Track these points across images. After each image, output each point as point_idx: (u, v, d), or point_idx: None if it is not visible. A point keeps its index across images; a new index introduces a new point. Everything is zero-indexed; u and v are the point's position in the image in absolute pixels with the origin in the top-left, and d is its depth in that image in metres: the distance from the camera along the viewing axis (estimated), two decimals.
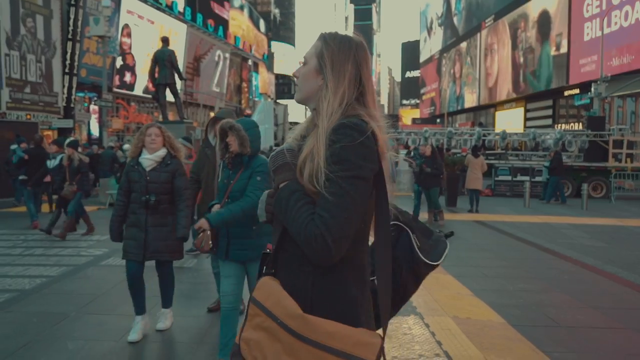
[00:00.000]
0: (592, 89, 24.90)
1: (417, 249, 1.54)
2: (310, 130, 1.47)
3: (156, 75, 14.20)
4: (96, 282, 5.80)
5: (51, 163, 9.05)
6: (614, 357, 3.84)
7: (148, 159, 3.99)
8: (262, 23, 63.57)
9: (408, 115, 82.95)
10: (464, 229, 10.18)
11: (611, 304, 5.26)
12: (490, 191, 17.46)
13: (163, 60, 13.94)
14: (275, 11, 79.30)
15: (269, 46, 69.32)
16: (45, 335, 4.08)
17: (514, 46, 40.11)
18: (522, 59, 39.06)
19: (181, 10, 37.40)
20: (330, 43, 1.48)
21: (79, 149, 14.97)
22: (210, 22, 42.51)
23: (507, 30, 41.63)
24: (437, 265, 1.57)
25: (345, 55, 1.47)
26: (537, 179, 17.21)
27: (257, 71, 57.98)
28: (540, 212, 13.22)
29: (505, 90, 42.48)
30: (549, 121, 35.52)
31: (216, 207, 3.40)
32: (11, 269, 6.32)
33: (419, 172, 10.72)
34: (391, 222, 1.52)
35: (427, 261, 1.53)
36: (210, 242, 3.33)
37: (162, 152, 4.02)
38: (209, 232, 3.32)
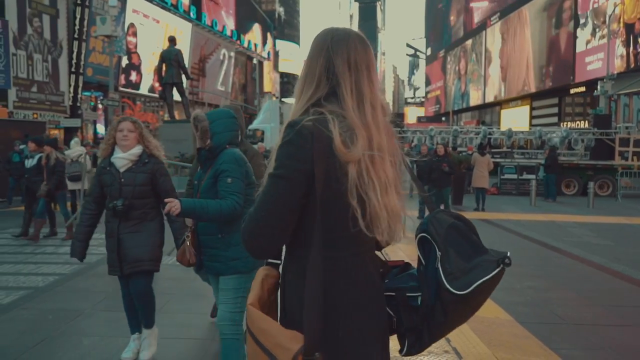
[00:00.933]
0: (598, 87, 24.86)
1: (440, 271, 1.31)
2: None
3: (163, 74, 14.31)
4: (108, 279, 5.83)
5: (29, 162, 8.74)
6: (621, 354, 3.89)
7: (121, 158, 3.47)
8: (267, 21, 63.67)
9: (412, 114, 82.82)
10: None
11: (618, 301, 5.30)
12: (496, 189, 17.47)
13: (170, 59, 14.03)
14: (280, 10, 79.31)
15: (274, 45, 69.39)
16: (61, 332, 4.17)
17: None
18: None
19: (186, 9, 37.51)
20: (314, 38, 1.46)
21: (87, 148, 15.07)
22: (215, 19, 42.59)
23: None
24: (464, 295, 1.27)
25: (318, 49, 1.41)
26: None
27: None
28: (546, 210, 13.24)
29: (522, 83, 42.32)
30: (555, 119, 35.45)
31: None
32: (24, 266, 6.43)
33: (429, 171, 10.55)
34: (420, 234, 1.38)
35: (450, 288, 1.29)
36: (194, 254, 2.99)
37: (138, 149, 3.50)
38: (189, 243, 3.00)
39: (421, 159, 11.01)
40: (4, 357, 3.68)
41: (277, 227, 1.31)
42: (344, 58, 1.38)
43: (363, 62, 1.40)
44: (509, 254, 1.28)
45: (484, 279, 1.26)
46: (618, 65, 27.14)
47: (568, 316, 4.71)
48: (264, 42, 60.64)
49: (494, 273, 1.27)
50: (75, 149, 10.11)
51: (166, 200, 2.75)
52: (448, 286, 1.29)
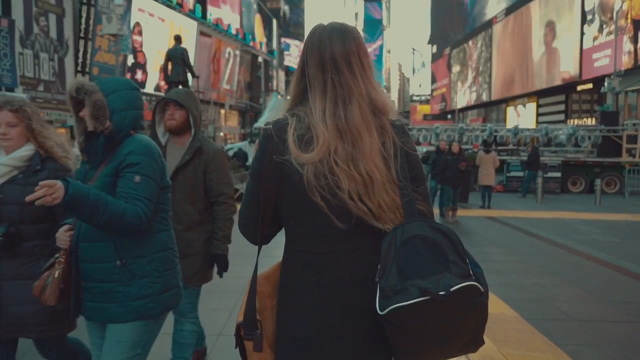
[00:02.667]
0: (606, 84, 24.71)
1: (378, 286, 1.22)
2: None
3: (169, 73, 14.36)
4: None
5: None
6: (628, 350, 3.87)
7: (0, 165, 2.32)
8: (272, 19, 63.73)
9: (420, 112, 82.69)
10: (476, 224, 10.21)
11: (624, 298, 5.28)
12: (502, 187, 17.42)
13: (176, 58, 14.09)
14: (285, 7, 79.32)
15: (279, 42, 69.44)
16: None
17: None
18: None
19: (191, 7, 37.59)
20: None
21: None
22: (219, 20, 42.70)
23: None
24: (383, 316, 1.19)
25: (302, 50, 1.43)
26: (550, 174, 17.14)
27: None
28: (552, 207, 13.19)
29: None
30: (562, 116, 35.26)
31: (66, 231, 2.05)
32: None
33: (445, 169, 10.45)
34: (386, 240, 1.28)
35: (376, 306, 1.20)
36: (58, 291, 1.99)
37: (26, 151, 2.35)
38: (58, 274, 1.99)
39: (434, 154, 11.01)
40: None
41: (249, 219, 1.42)
42: (316, 58, 1.35)
43: (341, 56, 1.34)
44: (453, 289, 1.16)
45: (399, 304, 1.16)
46: (625, 61, 26.95)
47: (574, 312, 4.70)
48: (269, 40, 60.69)
49: (412, 301, 1.15)
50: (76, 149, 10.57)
51: (42, 183, 1.74)
52: (376, 303, 1.20)
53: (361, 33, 1.45)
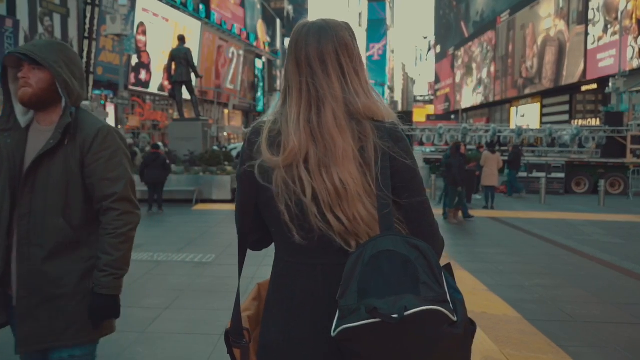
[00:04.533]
0: (610, 84, 24.64)
1: (338, 306, 1.10)
2: None
3: (173, 73, 14.42)
4: None
5: None
6: (630, 352, 3.87)
7: None
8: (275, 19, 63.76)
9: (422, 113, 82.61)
10: (479, 225, 10.20)
11: (628, 299, 5.27)
12: (505, 187, 17.39)
13: (179, 58, 14.14)
14: (289, 8, 79.36)
15: (282, 42, 69.45)
16: None
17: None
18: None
19: (195, 7, 37.68)
20: None
21: None
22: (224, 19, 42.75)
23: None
24: (334, 337, 1.08)
25: None
26: (554, 175, 17.11)
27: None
28: (556, 208, 13.16)
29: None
30: (566, 117, 35.17)
31: None
32: None
33: (459, 171, 10.34)
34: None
35: (333, 325, 1.09)
36: None
37: None
38: None
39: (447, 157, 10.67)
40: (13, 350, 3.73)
41: (239, 221, 1.35)
42: (292, 58, 1.29)
43: (316, 56, 1.26)
44: (408, 312, 1.00)
45: (346, 325, 1.04)
46: (630, 62, 26.86)
47: (577, 314, 4.70)
48: (273, 40, 60.72)
49: (359, 323, 1.02)
50: None
51: None
52: (334, 323, 1.09)
53: (358, 31, 1.34)
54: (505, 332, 4.10)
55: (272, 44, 60.59)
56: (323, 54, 1.26)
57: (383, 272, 1.09)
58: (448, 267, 1.27)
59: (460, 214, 10.70)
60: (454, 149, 10.75)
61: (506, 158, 15.97)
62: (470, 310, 4.25)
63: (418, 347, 1.05)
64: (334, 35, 1.28)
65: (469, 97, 55.64)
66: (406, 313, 1.00)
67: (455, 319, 1.04)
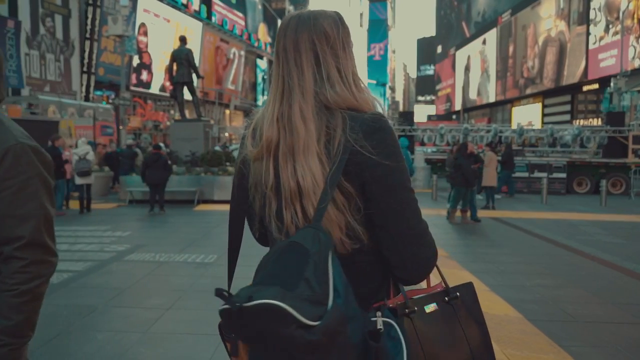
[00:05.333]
0: (612, 84, 24.63)
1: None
2: None
3: (174, 73, 14.44)
4: (121, 276, 5.98)
5: None
6: (631, 351, 3.88)
7: None
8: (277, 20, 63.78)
9: (423, 112, 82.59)
10: (481, 225, 10.20)
11: (629, 299, 5.27)
12: (507, 188, 17.38)
13: (181, 58, 14.16)
14: (290, 8, 79.42)
15: None
16: (75, 327, 4.25)
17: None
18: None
19: (196, 8, 37.71)
20: None
21: (99, 147, 15.34)
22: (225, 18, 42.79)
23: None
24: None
25: None
26: (555, 175, 17.10)
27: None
28: (557, 208, 13.16)
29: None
30: (567, 117, 35.16)
31: None
32: None
33: (469, 171, 10.21)
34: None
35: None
36: None
37: None
38: None
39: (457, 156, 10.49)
40: None
41: (229, 231, 1.33)
42: (275, 49, 1.27)
43: (291, 47, 1.22)
44: (249, 304, 0.94)
45: (219, 308, 1.02)
46: (632, 61, 26.84)
47: (578, 314, 4.71)
48: (273, 40, 60.77)
49: (220, 307, 1.00)
50: (82, 148, 11.32)
51: None
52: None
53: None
54: (507, 332, 4.11)
55: (273, 44, 60.61)
56: (298, 44, 1.21)
57: (276, 263, 1.05)
58: (469, 286, 1.32)
59: (468, 214, 10.56)
60: (462, 149, 10.58)
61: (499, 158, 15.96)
62: None
63: (273, 344, 0.98)
64: (311, 25, 1.22)
65: (471, 97, 55.59)
66: (247, 304, 0.94)
67: (307, 321, 0.93)
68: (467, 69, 57.06)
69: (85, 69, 25.79)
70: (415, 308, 1.17)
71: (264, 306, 0.93)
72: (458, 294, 1.29)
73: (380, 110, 1.21)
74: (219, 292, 0.99)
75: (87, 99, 25.28)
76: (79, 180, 11.19)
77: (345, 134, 1.13)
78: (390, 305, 1.14)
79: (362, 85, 1.24)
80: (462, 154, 10.43)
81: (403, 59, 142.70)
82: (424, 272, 1.20)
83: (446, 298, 1.26)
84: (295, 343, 0.93)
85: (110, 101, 26.89)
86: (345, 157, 1.12)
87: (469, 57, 56.34)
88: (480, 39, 52.00)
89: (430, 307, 1.22)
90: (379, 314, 1.09)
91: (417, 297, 1.21)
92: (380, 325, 1.06)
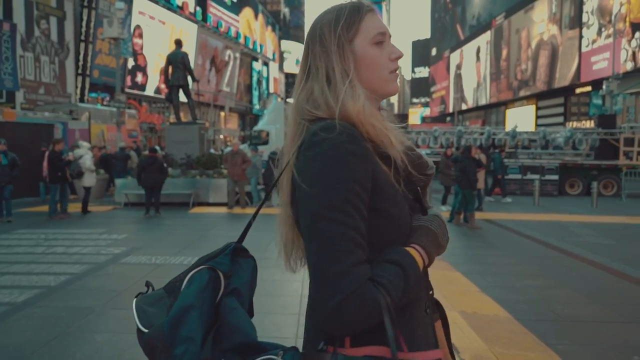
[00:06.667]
0: (604, 87, 24.85)
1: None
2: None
3: (169, 77, 14.51)
4: (118, 278, 6.05)
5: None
6: (617, 350, 3.99)
7: None
8: (272, 22, 63.88)
9: (416, 114, 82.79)
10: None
11: (616, 299, 5.39)
12: (501, 190, 17.51)
13: (176, 62, 14.24)
14: (285, 10, 79.50)
15: (279, 45, 69.61)
16: (74, 328, 4.32)
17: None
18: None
19: (192, 10, 37.75)
20: None
21: (94, 150, 15.37)
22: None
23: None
24: None
25: None
26: (548, 177, 17.26)
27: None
28: (550, 210, 13.30)
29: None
30: (561, 119, 35.41)
31: None
32: (36, 266, 6.59)
33: (474, 174, 10.26)
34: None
35: None
36: None
37: None
38: None
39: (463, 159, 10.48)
40: (20, 352, 3.83)
41: None
42: None
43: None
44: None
45: None
46: (624, 64, 27.10)
47: (566, 314, 4.82)
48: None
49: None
50: (79, 151, 11.52)
51: None
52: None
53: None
54: (496, 332, 4.22)
55: (268, 46, 60.63)
56: (303, 52, 1.18)
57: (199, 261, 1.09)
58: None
59: (462, 217, 10.62)
60: (467, 153, 10.55)
61: (503, 159, 16.07)
62: (462, 310, 4.38)
63: None
64: (314, 26, 1.15)
65: (465, 100, 55.83)
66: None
67: (139, 325, 1.05)
68: (461, 71, 57.29)
69: (80, 71, 25.81)
70: None
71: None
72: None
73: (352, 114, 1.06)
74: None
75: (81, 101, 25.29)
76: (76, 182, 11.47)
77: (296, 146, 1.08)
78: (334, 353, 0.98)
79: (349, 87, 1.09)
80: (467, 157, 10.40)
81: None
82: (325, 324, 0.97)
83: None
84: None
85: (105, 103, 26.90)
86: (283, 174, 1.11)
87: (463, 59, 56.56)
88: (475, 40, 52.28)
89: None
90: (280, 353, 0.96)
91: None
92: None
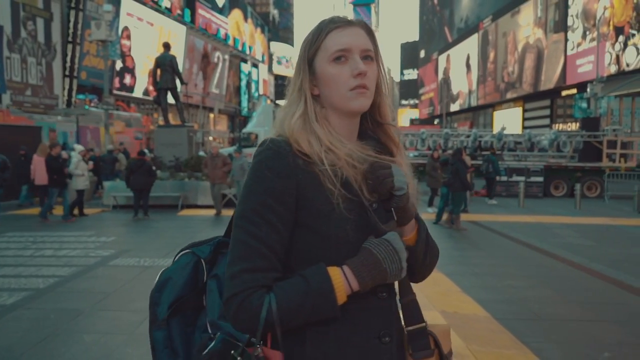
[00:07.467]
0: (588, 89, 25.27)
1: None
2: (370, 143, 1.21)
3: (158, 79, 14.55)
4: (106, 281, 6.12)
5: None
6: (589, 348, 4.15)
7: None
8: (261, 24, 63.89)
9: (405, 116, 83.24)
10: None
11: (592, 298, 5.58)
12: (487, 191, 17.75)
13: (164, 65, 14.28)
14: (274, 12, 79.55)
15: (268, 47, 69.64)
16: (63, 330, 4.40)
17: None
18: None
19: (180, 12, 37.69)
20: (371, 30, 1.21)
21: (82, 152, 15.39)
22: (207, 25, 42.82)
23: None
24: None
25: None
26: (533, 179, 17.54)
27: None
28: (534, 212, 13.53)
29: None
30: (547, 121, 35.89)
31: None
32: (25, 269, 6.64)
33: (465, 176, 10.39)
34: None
35: None
36: None
37: None
38: None
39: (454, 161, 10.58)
40: (10, 353, 3.91)
41: None
42: None
43: None
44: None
45: None
46: (608, 67, 27.57)
47: (543, 312, 4.99)
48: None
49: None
50: (72, 153, 11.59)
51: None
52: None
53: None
54: (474, 330, 4.37)
55: (257, 48, 60.65)
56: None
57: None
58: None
59: (447, 215, 10.79)
60: (458, 155, 10.66)
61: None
62: (443, 310, 4.53)
63: None
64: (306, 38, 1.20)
65: (453, 101, 56.29)
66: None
67: None
68: (449, 73, 57.75)
69: (67, 72, 25.68)
70: None
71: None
72: None
73: (287, 130, 1.13)
74: None
75: (69, 103, 25.17)
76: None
77: None
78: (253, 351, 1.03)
79: (300, 98, 1.15)
80: (458, 160, 10.51)
81: (387, 63, 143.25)
82: (235, 324, 1.05)
83: None
84: None
85: (93, 105, 26.79)
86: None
87: (451, 61, 57.02)
88: (463, 43, 52.75)
89: None
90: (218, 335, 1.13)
91: None
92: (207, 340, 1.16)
